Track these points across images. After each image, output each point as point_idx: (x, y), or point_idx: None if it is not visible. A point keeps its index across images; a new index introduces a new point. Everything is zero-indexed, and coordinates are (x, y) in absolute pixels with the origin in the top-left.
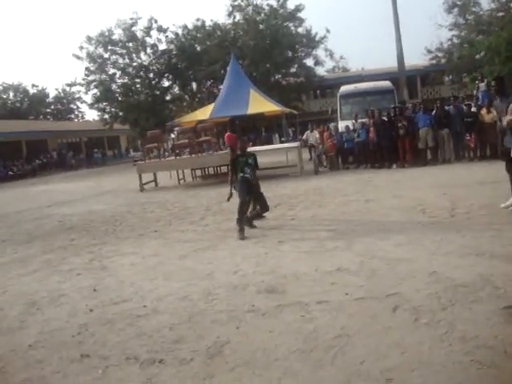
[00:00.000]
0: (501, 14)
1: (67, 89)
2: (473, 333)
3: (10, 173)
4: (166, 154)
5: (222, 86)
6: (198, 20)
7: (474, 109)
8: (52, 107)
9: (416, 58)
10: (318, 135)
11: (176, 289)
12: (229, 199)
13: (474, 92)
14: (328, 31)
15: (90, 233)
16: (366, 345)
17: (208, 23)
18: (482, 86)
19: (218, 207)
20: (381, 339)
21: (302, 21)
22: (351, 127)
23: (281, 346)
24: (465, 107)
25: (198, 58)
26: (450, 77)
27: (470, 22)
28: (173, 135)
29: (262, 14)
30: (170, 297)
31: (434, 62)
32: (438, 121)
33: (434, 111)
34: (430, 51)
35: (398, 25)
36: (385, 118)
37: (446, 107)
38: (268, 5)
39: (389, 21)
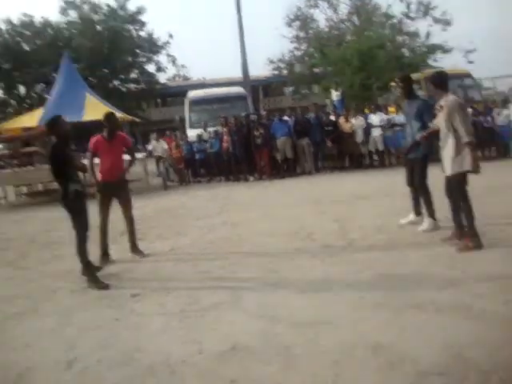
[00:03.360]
0: (336, 32)
1: None
2: None
3: None
4: None
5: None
6: (25, 15)
7: (332, 117)
8: None
9: (258, 69)
10: (166, 145)
11: None
12: None
13: (328, 101)
14: (171, 36)
15: None
16: None
17: (38, 19)
18: (338, 94)
19: (46, 237)
20: None
21: (143, 24)
22: (205, 137)
23: None
24: (323, 115)
25: (26, 58)
26: (291, 88)
27: (311, 36)
28: None
29: (100, 14)
30: None
31: (276, 72)
32: (298, 129)
33: (293, 119)
34: (272, 62)
35: (242, 35)
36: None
37: (306, 116)
38: (107, 5)
39: (233, 30)
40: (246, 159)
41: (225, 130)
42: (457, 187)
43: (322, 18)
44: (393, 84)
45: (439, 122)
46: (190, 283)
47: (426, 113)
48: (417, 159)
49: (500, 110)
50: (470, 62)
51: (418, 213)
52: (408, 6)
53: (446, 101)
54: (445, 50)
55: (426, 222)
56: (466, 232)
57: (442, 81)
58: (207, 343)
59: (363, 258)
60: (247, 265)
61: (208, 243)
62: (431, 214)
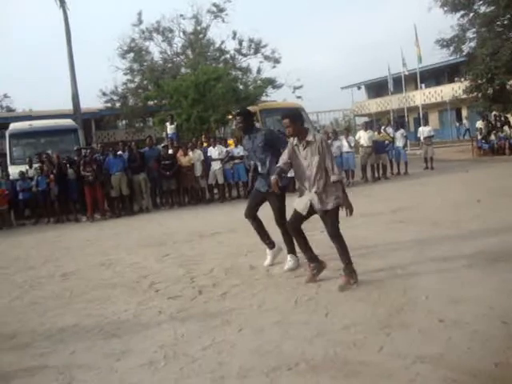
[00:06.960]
0: (170, 65)
1: None
2: None
3: None
4: None
5: None
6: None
7: (170, 151)
8: None
9: (91, 101)
10: None
11: None
12: None
13: (164, 134)
14: None
15: None
16: None
17: None
18: (172, 127)
19: None
20: None
21: None
22: (30, 174)
23: None
24: (162, 149)
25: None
26: (124, 121)
27: (145, 69)
28: None
29: None
30: None
31: (109, 105)
32: (133, 165)
33: (128, 154)
34: (105, 94)
35: (72, 65)
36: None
37: (142, 149)
38: None
39: (63, 60)
40: (78, 198)
41: (50, 166)
42: (331, 222)
43: (156, 50)
44: (230, 117)
45: (305, 157)
46: None
47: (277, 141)
48: (272, 192)
49: (331, 142)
50: (299, 97)
51: (270, 245)
52: (240, 43)
53: (315, 136)
54: (275, 86)
55: (291, 261)
56: (344, 269)
57: (299, 117)
58: None
59: (217, 311)
60: (78, 332)
61: (30, 304)
62: (292, 251)
